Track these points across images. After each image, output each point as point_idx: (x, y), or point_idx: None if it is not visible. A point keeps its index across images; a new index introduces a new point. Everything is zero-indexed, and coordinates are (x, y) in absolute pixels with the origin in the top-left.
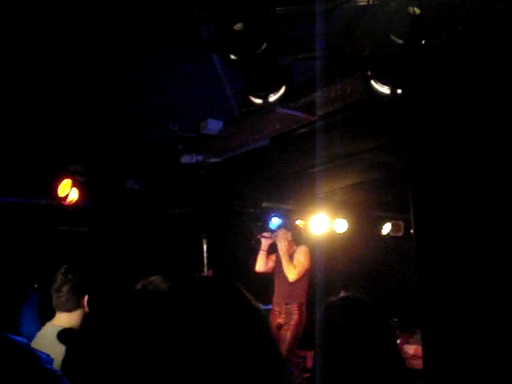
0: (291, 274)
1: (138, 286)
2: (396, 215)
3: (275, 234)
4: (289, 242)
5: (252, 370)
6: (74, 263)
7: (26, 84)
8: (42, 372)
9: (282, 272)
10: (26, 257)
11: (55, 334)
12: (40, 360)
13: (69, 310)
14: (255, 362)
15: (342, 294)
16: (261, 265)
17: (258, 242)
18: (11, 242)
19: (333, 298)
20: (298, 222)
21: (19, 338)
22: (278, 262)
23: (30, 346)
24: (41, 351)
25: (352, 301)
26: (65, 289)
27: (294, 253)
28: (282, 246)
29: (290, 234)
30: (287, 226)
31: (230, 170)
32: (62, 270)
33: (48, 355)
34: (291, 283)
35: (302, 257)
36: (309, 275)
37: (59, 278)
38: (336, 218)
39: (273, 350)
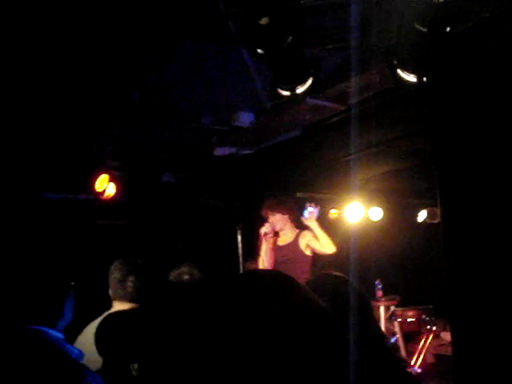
0: (331, 245)
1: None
2: (432, 202)
3: (271, 221)
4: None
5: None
6: (129, 256)
7: (61, 80)
8: (72, 366)
9: (289, 258)
10: (68, 251)
11: None
12: (71, 355)
13: (133, 301)
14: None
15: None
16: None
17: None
18: (53, 238)
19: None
20: (332, 211)
21: (54, 333)
22: (279, 250)
23: (63, 340)
24: (73, 346)
25: (328, 277)
26: (131, 278)
27: (299, 236)
28: (312, 220)
29: (286, 216)
30: (285, 210)
31: (264, 161)
32: (121, 260)
33: (80, 350)
34: (304, 269)
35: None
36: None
37: (122, 267)
38: (371, 206)
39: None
